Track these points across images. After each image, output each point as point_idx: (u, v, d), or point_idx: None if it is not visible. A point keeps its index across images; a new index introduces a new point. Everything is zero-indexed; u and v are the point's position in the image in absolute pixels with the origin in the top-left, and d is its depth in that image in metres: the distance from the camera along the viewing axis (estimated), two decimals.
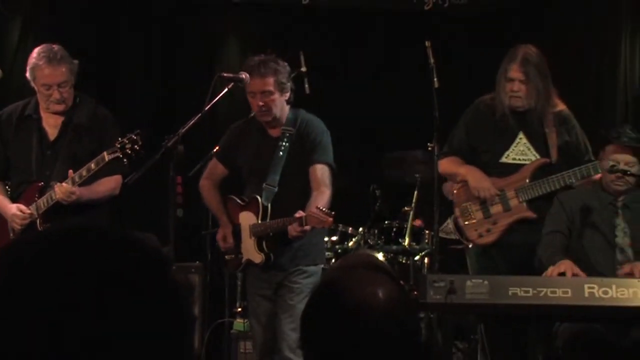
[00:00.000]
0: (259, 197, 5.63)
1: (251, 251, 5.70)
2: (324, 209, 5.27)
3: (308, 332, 2.28)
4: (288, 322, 5.55)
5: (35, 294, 1.23)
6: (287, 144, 5.66)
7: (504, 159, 6.11)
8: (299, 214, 5.34)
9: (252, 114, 5.81)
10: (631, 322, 5.19)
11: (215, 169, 5.97)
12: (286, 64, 5.70)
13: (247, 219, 5.73)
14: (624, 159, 5.45)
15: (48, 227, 1.48)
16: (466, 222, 6.15)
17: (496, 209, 6.06)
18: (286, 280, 5.65)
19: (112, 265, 1.28)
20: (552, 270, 5.20)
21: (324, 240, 6.34)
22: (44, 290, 1.23)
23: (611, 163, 5.45)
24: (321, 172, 5.62)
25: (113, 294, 1.25)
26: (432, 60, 5.96)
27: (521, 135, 6.09)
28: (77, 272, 1.25)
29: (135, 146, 5.48)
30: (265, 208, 5.63)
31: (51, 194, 5.70)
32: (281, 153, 5.66)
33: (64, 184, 5.63)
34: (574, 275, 5.10)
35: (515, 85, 6.02)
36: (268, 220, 5.61)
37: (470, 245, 6.22)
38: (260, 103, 5.56)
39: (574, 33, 8.55)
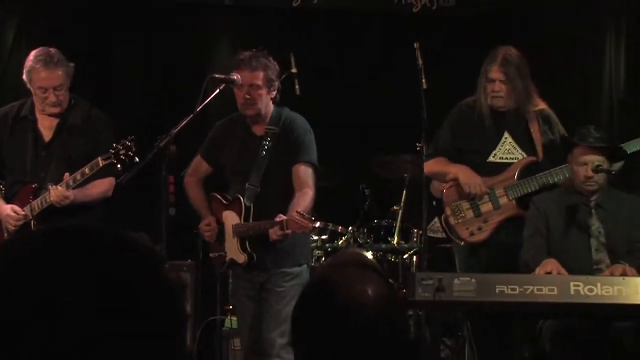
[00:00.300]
0: (241, 197, 5.57)
1: (234, 251, 5.64)
2: (304, 214, 5.20)
3: (298, 330, 2.30)
4: (273, 327, 5.51)
5: (30, 294, 1.24)
6: (270, 143, 5.60)
7: (491, 159, 6.16)
8: (280, 218, 5.29)
9: (236, 113, 5.77)
10: (616, 319, 5.24)
11: (199, 166, 5.91)
12: (276, 63, 5.67)
13: (230, 218, 5.68)
14: (593, 159, 5.48)
15: (42, 227, 1.49)
16: (457, 221, 6.18)
17: (486, 207, 6.11)
18: (269, 284, 5.58)
19: (106, 264, 1.29)
20: (538, 271, 5.26)
21: (309, 240, 6.25)
22: (38, 290, 1.24)
23: (597, 163, 5.49)
24: (304, 173, 5.57)
25: (107, 294, 1.25)
26: (420, 62, 6.00)
27: (506, 134, 6.15)
28: (71, 272, 1.26)
29: (129, 152, 5.50)
30: (247, 208, 5.56)
31: (46, 196, 5.73)
32: (264, 152, 5.59)
33: (58, 187, 5.66)
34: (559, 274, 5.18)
35: (496, 85, 6.08)
36: (250, 220, 5.55)
37: (462, 244, 6.28)
38: (247, 95, 5.50)
39: (559, 36, 8.60)
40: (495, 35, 9.08)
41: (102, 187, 5.94)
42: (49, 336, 1.21)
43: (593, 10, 8.34)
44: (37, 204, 5.79)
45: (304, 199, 5.46)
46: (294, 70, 6.76)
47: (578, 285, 4.82)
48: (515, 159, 6.11)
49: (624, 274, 5.15)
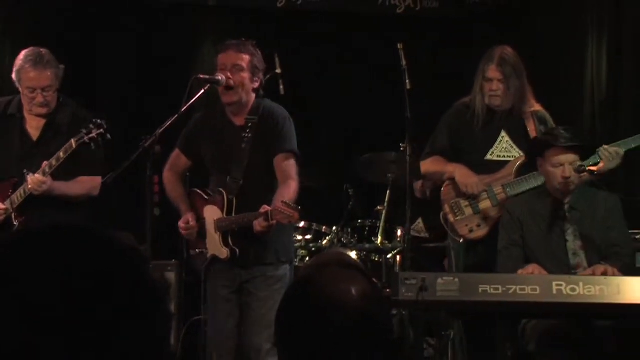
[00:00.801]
0: (223, 191, 5.50)
1: (216, 246, 5.53)
2: (290, 204, 5.12)
3: (282, 330, 2.30)
4: (258, 332, 5.44)
5: (15, 293, 1.24)
6: (250, 134, 5.51)
7: (488, 157, 6.20)
8: (264, 208, 5.19)
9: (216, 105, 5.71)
10: (597, 318, 5.27)
11: (178, 160, 5.81)
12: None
13: (212, 213, 5.58)
14: (567, 159, 5.46)
15: (26, 225, 1.49)
16: (456, 218, 6.22)
17: (485, 204, 6.14)
18: (252, 286, 5.51)
19: (91, 264, 1.29)
20: (521, 272, 5.29)
21: (292, 237, 6.14)
22: (23, 290, 1.24)
23: (579, 163, 5.51)
24: (286, 163, 5.50)
25: (91, 293, 1.26)
26: (404, 63, 6.03)
27: (503, 133, 6.19)
28: (56, 271, 1.26)
29: (101, 130, 5.50)
30: (230, 202, 5.48)
31: (24, 187, 5.73)
32: (244, 145, 5.51)
33: (36, 174, 5.66)
34: None
35: (494, 84, 6.12)
36: (233, 214, 5.47)
37: (461, 241, 6.32)
38: (229, 75, 5.43)
39: (541, 38, 8.64)
40: (478, 36, 9.14)
41: (87, 184, 5.92)
42: (34, 335, 1.21)
43: (575, 14, 8.39)
44: (16, 196, 5.77)
45: (288, 190, 5.37)
46: (278, 70, 6.78)
47: (560, 285, 4.84)
48: (512, 157, 6.15)
49: (605, 274, 5.17)
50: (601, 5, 8.14)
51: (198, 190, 5.73)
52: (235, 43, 5.53)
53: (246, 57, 5.47)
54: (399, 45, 6.06)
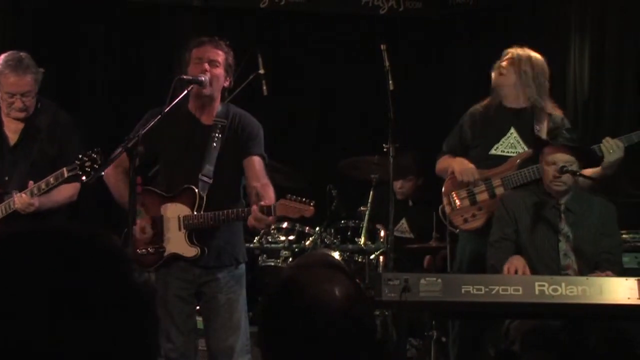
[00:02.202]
0: (194, 188, 5.34)
1: (181, 244, 5.35)
2: (300, 198, 5.08)
3: (265, 330, 2.31)
4: (228, 334, 5.39)
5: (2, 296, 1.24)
6: (220, 135, 5.43)
7: (493, 151, 6.24)
8: (266, 202, 5.07)
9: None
10: (580, 319, 5.29)
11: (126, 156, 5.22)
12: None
13: (175, 210, 5.38)
14: (563, 159, 5.52)
15: (13, 228, 1.47)
16: (452, 209, 6.27)
17: (482, 196, 6.18)
18: (212, 290, 5.42)
19: (72, 267, 1.29)
20: (507, 267, 5.31)
21: (243, 238, 5.80)
22: (10, 292, 1.24)
23: (561, 164, 5.54)
24: (259, 164, 5.44)
25: (74, 297, 1.25)
26: (387, 63, 6.05)
27: (512, 130, 6.24)
28: (42, 273, 1.26)
29: (95, 165, 5.45)
30: (202, 199, 5.32)
31: (10, 203, 5.70)
32: (215, 144, 5.42)
33: (22, 194, 5.63)
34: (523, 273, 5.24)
35: (503, 63, 6.22)
36: (202, 212, 5.32)
37: (457, 231, 6.34)
38: (206, 67, 5.34)
39: (524, 38, 8.65)
40: (461, 36, 9.17)
41: (68, 192, 5.91)
42: (17, 340, 1.21)
43: (558, 14, 8.42)
44: (0, 209, 5.76)
45: (270, 189, 5.30)
46: (261, 70, 6.78)
47: (543, 285, 4.85)
48: (517, 153, 6.20)
49: None
50: (584, 5, 8.17)
51: (153, 188, 5.52)
52: (211, 39, 5.49)
53: (222, 54, 5.42)
54: (382, 46, 6.07)
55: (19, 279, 1.25)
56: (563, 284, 4.87)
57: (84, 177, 5.46)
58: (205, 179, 5.41)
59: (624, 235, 6.36)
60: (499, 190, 6.13)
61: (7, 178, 5.87)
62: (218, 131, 5.47)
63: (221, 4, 9.33)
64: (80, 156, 5.47)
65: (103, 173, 5.22)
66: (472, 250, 6.19)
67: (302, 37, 9.39)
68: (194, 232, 5.37)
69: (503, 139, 6.24)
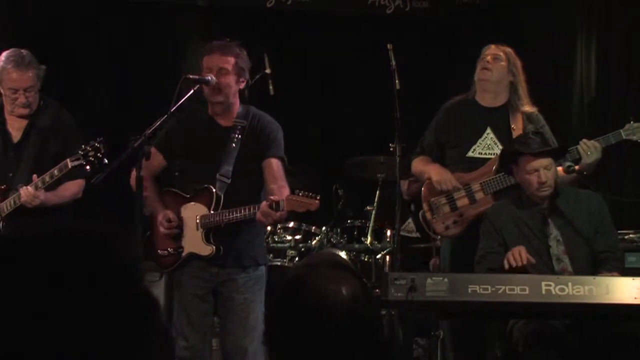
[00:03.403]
0: (212, 187, 5.42)
1: (197, 243, 5.43)
2: (306, 192, 5.10)
3: (272, 329, 2.31)
4: (242, 335, 5.40)
5: (19, 294, 1.24)
6: (240, 136, 5.47)
7: (470, 154, 6.21)
8: (274, 197, 5.12)
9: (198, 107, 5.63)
10: (586, 318, 5.28)
11: (153, 159, 5.41)
12: (247, 57, 5.58)
13: (193, 210, 5.47)
14: (541, 164, 5.45)
15: (9, 231, 1.46)
16: (434, 216, 6.24)
17: (462, 202, 6.16)
18: (230, 289, 5.44)
19: (83, 268, 1.29)
20: (510, 257, 5.29)
21: (264, 241, 6.01)
22: (28, 291, 1.24)
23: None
24: (277, 167, 5.48)
25: (84, 298, 1.25)
26: (393, 63, 6.05)
27: (489, 130, 6.21)
28: (55, 274, 1.26)
29: (98, 154, 5.48)
30: (219, 198, 5.39)
31: (15, 197, 5.72)
32: (234, 145, 5.46)
33: (28, 187, 5.66)
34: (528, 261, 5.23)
35: (487, 58, 6.22)
36: (220, 211, 5.40)
37: (438, 238, 6.33)
38: (211, 79, 5.39)
39: (530, 38, 8.66)
40: (468, 37, 9.16)
41: (73, 189, 5.95)
42: (26, 342, 1.20)
43: (564, 12, 8.41)
44: (6, 205, 5.77)
45: (287, 191, 5.33)
46: (268, 70, 6.78)
47: (549, 285, 4.84)
48: (494, 154, 6.15)
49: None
50: (590, 5, 8.16)
51: (174, 189, 5.64)
52: (220, 45, 5.49)
53: (231, 60, 5.43)
54: (389, 46, 6.07)
55: (28, 281, 1.25)
56: (570, 284, 4.85)
57: (87, 167, 5.48)
58: (223, 179, 5.45)
59: (630, 235, 6.33)
60: (479, 195, 6.11)
61: (11, 174, 5.90)
62: (237, 132, 5.50)
63: (226, 3, 9.33)
64: (83, 146, 5.50)
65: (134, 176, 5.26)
66: (453, 257, 6.19)
67: (308, 36, 9.39)
68: (212, 232, 5.42)
69: (480, 141, 6.21)
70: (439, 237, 6.36)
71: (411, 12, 9.29)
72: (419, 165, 6.35)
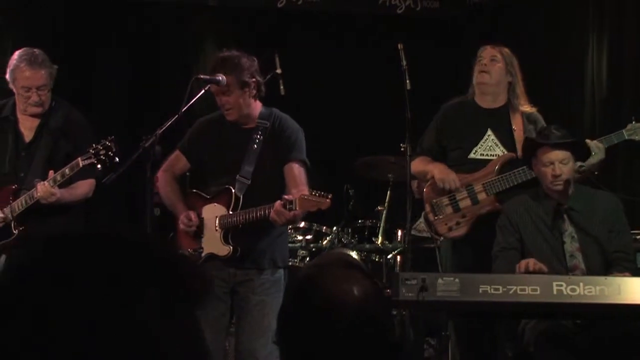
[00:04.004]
0: (231, 188, 5.44)
1: (216, 244, 5.46)
2: (319, 192, 5.11)
3: (284, 329, 2.32)
4: (255, 337, 5.40)
5: (45, 299, 1.21)
6: (261, 137, 5.49)
7: (472, 155, 6.20)
8: (288, 197, 5.13)
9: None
10: (598, 319, 5.27)
11: (176, 162, 5.68)
12: (254, 58, 5.56)
13: (214, 211, 5.50)
14: (557, 157, 5.46)
15: (39, 233, 1.44)
16: (436, 217, 6.23)
17: (465, 203, 6.15)
18: (247, 289, 5.45)
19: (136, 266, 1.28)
20: (524, 264, 5.28)
21: (287, 243, 5.99)
22: (50, 297, 1.21)
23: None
24: (299, 171, 5.48)
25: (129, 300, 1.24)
26: (404, 63, 6.04)
27: (489, 132, 6.20)
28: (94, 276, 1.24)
29: (109, 152, 5.49)
30: (238, 199, 5.42)
31: (32, 193, 5.72)
32: (255, 146, 5.47)
33: (45, 183, 5.66)
34: (541, 270, 5.21)
35: (483, 60, 6.20)
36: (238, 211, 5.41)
37: (441, 239, 6.32)
38: (220, 102, 5.44)
39: (541, 35, 8.65)
40: (479, 35, 9.14)
41: (85, 188, 5.95)
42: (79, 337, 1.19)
43: (576, 11, 8.40)
44: (17, 204, 5.78)
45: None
46: (278, 70, 6.77)
47: (561, 285, 4.83)
48: (496, 155, 6.15)
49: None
50: (602, 4, 8.14)
51: (197, 191, 5.68)
52: (213, 67, 5.46)
53: (230, 78, 5.40)
54: (399, 46, 6.06)
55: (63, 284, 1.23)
56: (581, 284, 4.84)
57: (99, 166, 5.49)
58: (243, 179, 5.47)
59: None
60: (482, 196, 6.11)
61: (22, 174, 5.90)
62: (260, 133, 5.52)
63: (237, 3, 9.34)
64: (94, 145, 5.51)
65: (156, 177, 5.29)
66: (455, 258, 6.18)
67: (319, 36, 9.39)
68: (230, 232, 5.43)
69: (481, 142, 6.20)
70: (441, 238, 6.34)
71: (422, 11, 9.28)
72: (419, 165, 6.32)
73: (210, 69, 5.50)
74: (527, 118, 6.18)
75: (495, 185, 6.06)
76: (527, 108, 6.21)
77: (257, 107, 5.58)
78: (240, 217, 5.38)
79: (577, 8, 8.41)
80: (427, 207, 6.29)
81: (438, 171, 6.19)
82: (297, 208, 5.13)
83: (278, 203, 5.14)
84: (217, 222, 5.50)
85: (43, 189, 5.66)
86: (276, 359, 5.36)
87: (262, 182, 5.47)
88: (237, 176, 5.47)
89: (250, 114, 5.55)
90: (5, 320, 1.21)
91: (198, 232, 5.56)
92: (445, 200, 6.20)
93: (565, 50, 8.50)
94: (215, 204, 5.53)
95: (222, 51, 5.62)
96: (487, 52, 6.25)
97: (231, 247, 5.42)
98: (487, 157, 6.17)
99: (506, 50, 6.27)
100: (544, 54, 8.37)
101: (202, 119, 5.78)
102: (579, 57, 8.26)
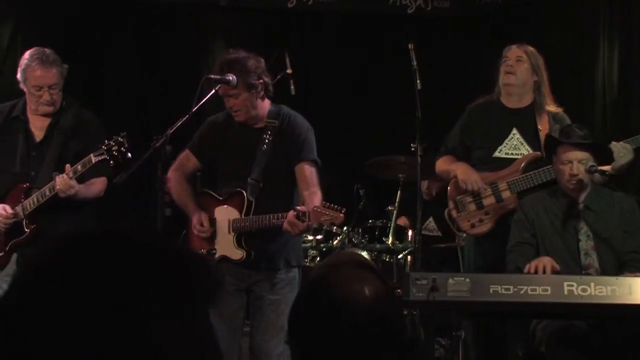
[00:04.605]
0: (243, 191, 5.43)
1: (229, 247, 5.45)
2: (332, 205, 5.08)
3: (295, 328, 2.33)
4: (270, 336, 5.40)
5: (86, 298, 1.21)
6: (271, 136, 5.47)
7: (497, 154, 6.20)
8: (301, 208, 5.13)
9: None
10: (609, 319, 5.26)
11: (187, 161, 5.67)
12: (260, 59, 5.53)
13: (226, 213, 5.50)
14: (576, 156, 5.48)
15: (55, 233, 1.43)
16: (459, 214, 6.24)
17: (488, 201, 6.14)
18: (261, 289, 5.45)
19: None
20: (535, 264, 5.27)
21: (301, 242, 6.02)
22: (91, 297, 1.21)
23: (590, 164, 5.51)
24: (310, 172, 5.46)
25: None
26: (415, 63, 6.04)
27: (515, 131, 6.20)
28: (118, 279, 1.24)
29: (122, 148, 5.48)
30: (250, 202, 5.41)
31: (44, 190, 5.73)
32: (265, 146, 5.46)
33: (64, 175, 5.64)
34: (553, 269, 5.20)
35: (509, 61, 6.18)
36: (251, 215, 5.41)
37: (463, 235, 6.32)
38: (229, 105, 5.44)
39: (552, 36, 8.63)
40: (489, 35, 9.14)
41: (99, 186, 5.95)
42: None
43: (587, 10, 8.38)
44: (29, 203, 5.78)
45: (317, 197, 5.33)
46: (289, 70, 6.77)
47: (572, 285, 4.83)
48: (521, 154, 6.15)
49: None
50: (612, 5, 8.13)
51: (209, 191, 5.67)
52: (219, 70, 5.43)
53: (235, 79, 5.38)
54: (410, 45, 6.06)
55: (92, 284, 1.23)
56: (592, 284, 4.84)
57: (111, 162, 5.49)
58: (254, 182, 5.46)
59: None
60: (506, 194, 6.10)
61: (33, 173, 5.90)
62: (269, 132, 5.51)
63: (248, 3, 9.34)
64: (106, 141, 5.51)
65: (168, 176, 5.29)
66: (477, 255, 6.17)
67: (329, 36, 9.39)
68: (244, 236, 5.44)
69: (506, 141, 6.20)
70: (463, 235, 6.34)
71: (432, 11, 9.27)
72: (443, 164, 6.33)
73: (216, 70, 5.49)
74: (553, 118, 6.17)
75: (520, 183, 6.05)
76: (553, 108, 6.21)
77: (266, 106, 5.56)
78: (253, 223, 5.38)
79: (588, 10, 8.39)
80: (451, 204, 6.30)
81: (461, 171, 6.18)
82: (310, 220, 5.13)
83: (291, 214, 5.13)
84: (230, 225, 5.50)
85: (62, 182, 5.65)
86: (289, 358, 5.40)
87: (274, 184, 5.47)
88: (249, 179, 5.46)
89: (258, 114, 5.53)
90: (18, 321, 1.21)
91: (209, 236, 5.57)
92: (468, 197, 6.20)
93: (576, 52, 8.48)
94: (228, 206, 5.53)
95: (229, 52, 5.60)
96: (513, 53, 6.23)
97: (245, 252, 5.43)
98: (512, 156, 6.16)
99: (532, 49, 6.26)
100: (555, 56, 8.35)
101: (211, 118, 5.78)
102: (589, 59, 8.24)
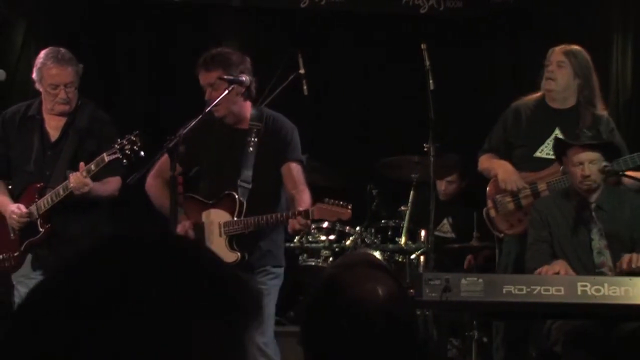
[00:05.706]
0: (234, 194, 5.43)
1: (222, 250, 5.34)
2: (338, 202, 5.13)
3: (308, 329, 2.31)
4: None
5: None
6: (256, 139, 5.46)
7: (538, 154, 6.21)
8: (304, 206, 5.17)
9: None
10: (622, 319, 5.25)
11: (166, 166, 5.35)
12: (246, 57, 5.55)
13: (216, 216, 5.49)
14: (587, 157, 5.50)
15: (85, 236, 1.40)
16: (498, 213, 6.24)
17: (527, 201, 6.14)
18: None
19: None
20: (546, 269, 5.27)
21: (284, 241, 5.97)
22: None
23: (604, 164, 5.51)
24: (297, 170, 5.48)
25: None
26: (427, 63, 6.04)
27: (557, 131, 6.19)
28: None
29: (135, 147, 5.48)
30: (242, 204, 5.40)
31: (58, 190, 5.73)
32: (251, 149, 5.45)
33: (78, 173, 5.63)
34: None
35: (550, 67, 6.17)
36: (242, 217, 5.40)
37: (501, 236, 6.31)
38: (208, 97, 5.40)
39: (565, 35, 8.61)
40: (502, 36, 9.12)
41: (113, 185, 5.93)
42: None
43: (600, 11, 8.36)
44: (43, 202, 5.79)
45: (307, 196, 5.36)
46: (302, 70, 6.78)
47: (585, 286, 4.83)
48: None
49: (629, 262, 5.24)
50: (626, 5, 8.11)
51: (194, 195, 5.61)
52: (202, 62, 5.47)
53: (214, 74, 5.40)
54: (423, 46, 6.06)
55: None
56: (605, 285, 4.84)
57: (125, 161, 5.48)
58: (244, 184, 5.47)
59: None
60: (545, 195, 6.09)
61: (48, 173, 5.91)
62: (254, 135, 5.50)
63: (260, 4, 9.34)
64: (119, 140, 5.51)
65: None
66: (519, 254, 6.15)
67: (342, 36, 9.38)
68: (235, 238, 5.44)
69: (548, 141, 6.18)
70: (502, 234, 6.33)
71: (445, 11, 9.26)
72: (485, 162, 6.35)
73: (200, 64, 5.49)
74: (597, 120, 6.16)
75: (560, 184, 6.04)
76: (598, 111, 6.20)
77: (248, 107, 5.56)
78: (248, 224, 5.38)
79: (602, 9, 8.37)
80: (490, 203, 6.31)
81: (502, 171, 6.19)
82: (314, 217, 5.18)
83: (294, 221, 5.17)
84: (220, 228, 5.49)
85: (76, 179, 5.64)
86: (275, 349, 5.41)
87: (263, 184, 5.49)
88: (238, 181, 5.46)
89: (240, 113, 5.52)
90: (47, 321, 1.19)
91: (199, 238, 5.50)
92: (508, 197, 6.20)
93: (589, 51, 8.45)
94: (218, 209, 5.52)
95: (214, 48, 5.65)
96: (555, 57, 6.20)
97: (239, 254, 5.43)
98: (552, 157, 6.13)
99: (576, 50, 6.22)
100: None
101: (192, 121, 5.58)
102: (603, 58, 8.21)
